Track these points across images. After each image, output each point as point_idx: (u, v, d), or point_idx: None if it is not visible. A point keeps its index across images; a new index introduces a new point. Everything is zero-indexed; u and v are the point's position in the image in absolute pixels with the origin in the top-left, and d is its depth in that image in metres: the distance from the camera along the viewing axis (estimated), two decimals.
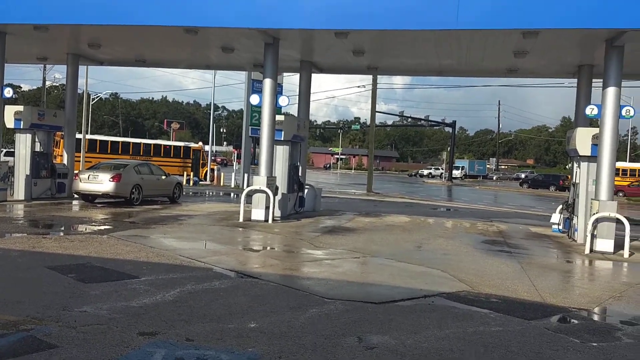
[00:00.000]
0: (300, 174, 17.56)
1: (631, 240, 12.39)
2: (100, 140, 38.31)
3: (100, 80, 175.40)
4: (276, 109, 15.53)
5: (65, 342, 4.91)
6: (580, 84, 16.46)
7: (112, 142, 38.92)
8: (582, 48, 14.32)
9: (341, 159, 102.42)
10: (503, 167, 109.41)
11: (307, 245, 11.39)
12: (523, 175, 70.94)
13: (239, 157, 37.10)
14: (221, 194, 28.24)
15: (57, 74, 49.88)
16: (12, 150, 19.83)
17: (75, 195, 18.43)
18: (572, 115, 17.39)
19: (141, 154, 37.00)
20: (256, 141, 29.39)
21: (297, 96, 18.68)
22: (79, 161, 29.28)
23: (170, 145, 41.24)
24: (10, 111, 17.47)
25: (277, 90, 15.86)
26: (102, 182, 17.12)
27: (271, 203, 14.59)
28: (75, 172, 19.00)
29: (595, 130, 13.28)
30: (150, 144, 40.67)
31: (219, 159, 69.33)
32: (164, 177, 19.64)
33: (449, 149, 67.62)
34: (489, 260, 10.59)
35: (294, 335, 5.45)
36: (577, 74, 16.60)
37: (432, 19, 12.24)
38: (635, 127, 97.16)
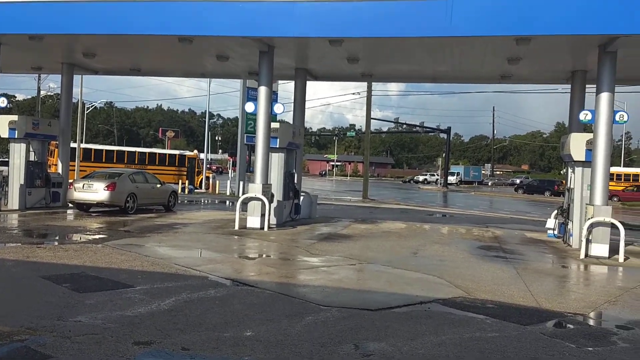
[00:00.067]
0: (295, 181, 17.56)
1: (626, 244, 12.42)
2: (95, 149, 38.22)
3: (95, 89, 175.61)
4: (271, 117, 15.53)
5: (60, 352, 4.88)
6: (574, 89, 16.54)
7: (106, 150, 38.82)
8: (575, 54, 14.41)
9: (337, 165, 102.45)
10: (498, 172, 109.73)
11: (303, 252, 11.38)
12: (518, 181, 71.30)
13: (234, 164, 37.09)
14: (216, 201, 28.20)
15: (52, 84, 50.17)
16: (7, 159, 19.78)
17: (70, 205, 18.35)
18: (566, 121, 17.49)
19: (136, 162, 36.91)
20: (251, 149, 29.36)
21: (292, 103, 18.70)
22: (74, 170, 29.21)
23: (165, 154, 41.18)
24: (4, 121, 17.41)
25: (272, 98, 15.87)
26: (96, 191, 17.07)
27: (267, 210, 14.58)
28: (70, 181, 18.92)
29: (590, 136, 13.35)
30: (145, 153, 40.61)
31: (214, 167, 69.23)
32: (159, 185, 19.59)
33: (444, 155, 67.79)
34: (485, 266, 10.60)
35: (291, 343, 5.44)
36: (571, 79, 16.68)
37: (426, 26, 12.30)
38: (629, 132, 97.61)
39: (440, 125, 72.72)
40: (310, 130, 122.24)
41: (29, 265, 8.74)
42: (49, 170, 19.73)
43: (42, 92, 52.19)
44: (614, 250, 12.18)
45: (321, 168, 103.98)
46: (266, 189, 14.90)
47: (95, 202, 17.31)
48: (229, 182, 34.97)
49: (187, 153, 41.77)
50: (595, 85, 13.10)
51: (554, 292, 8.84)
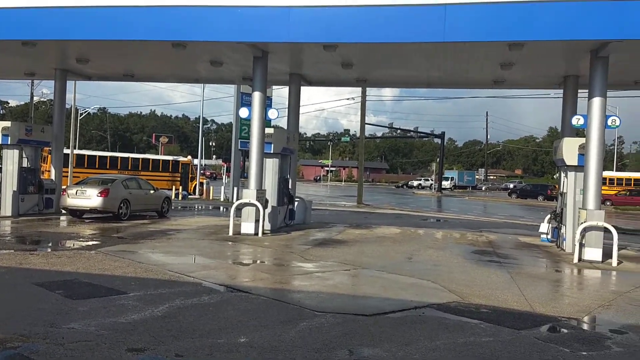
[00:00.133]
0: (290, 187, 17.55)
1: (619, 248, 12.48)
2: (88, 155, 38.05)
3: (89, 95, 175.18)
4: (265, 122, 15.53)
5: (53, 359, 4.85)
6: (566, 94, 16.63)
7: (100, 156, 38.67)
8: (568, 59, 14.51)
9: (331, 171, 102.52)
10: (492, 177, 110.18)
11: (298, 258, 11.36)
12: (511, 185, 71.51)
13: (228, 170, 37.03)
14: (210, 207, 28.14)
15: (45, 90, 50.07)
16: None
17: (63, 211, 18.27)
18: (559, 126, 17.55)
19: (129, 168, 36.79)
20: (246, 154, 29.38)
21: (287, 109, 18.71)
22: (67, 176, 29.08)
23: (158, 160, 41.03)
24: None
25: (267, 103, 15.89)
26: (90, 197, 17.01)
27: (261, 216, 14.56)
28: (63, 187, 18.86)
29: (582, 140, 13.42)
30: (139, 159, 40.44)
31: (208, 173, 69.16)
32: (152, 191, 19.54)
33: (438, 160, 67.91)
34: (479, 271, 10.62)
35: (285, 349, 5.42)
36: (563, 84, 16.78)
37: (420, 32, 12.35)
38: (622, 137, 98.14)
39: (434, 130, 73.17)
40: (304, 136, 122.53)
41: (21, 272, 8.69)
42: (42, 177, 19.64)
43: (35, 98, 52.09)
44: (607, 254, 12.23)
45: (316, 173, 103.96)
46: (260, 194, 14.88)
47: (88, 209, 17.24)
48: (222, 187, 34.89)
49: (181, 159, 41.69)
50: (587, 90, 13.18)
51: (547, 296, 8.86)
